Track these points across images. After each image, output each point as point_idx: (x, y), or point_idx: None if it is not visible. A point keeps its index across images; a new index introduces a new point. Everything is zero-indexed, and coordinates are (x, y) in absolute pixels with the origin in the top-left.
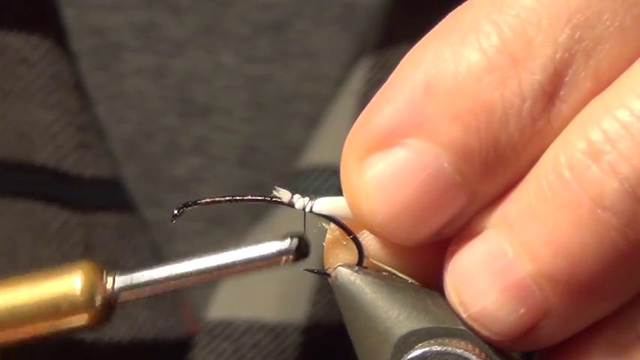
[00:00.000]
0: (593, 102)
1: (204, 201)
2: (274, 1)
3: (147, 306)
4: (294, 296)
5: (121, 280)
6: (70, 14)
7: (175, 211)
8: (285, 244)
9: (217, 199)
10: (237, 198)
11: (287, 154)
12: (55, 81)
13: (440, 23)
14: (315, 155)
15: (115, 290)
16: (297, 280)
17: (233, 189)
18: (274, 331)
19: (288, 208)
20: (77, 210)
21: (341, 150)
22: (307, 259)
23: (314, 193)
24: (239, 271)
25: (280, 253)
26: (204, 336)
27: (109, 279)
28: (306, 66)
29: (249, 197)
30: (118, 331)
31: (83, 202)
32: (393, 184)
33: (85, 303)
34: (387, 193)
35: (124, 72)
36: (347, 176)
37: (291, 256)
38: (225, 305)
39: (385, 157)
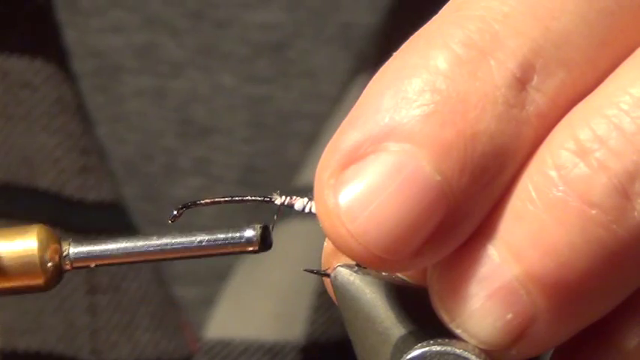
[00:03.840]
0: (580, 104)
1: (203, 202)
2: (273, 22)
3: (149, 328)
4: (291, 315)
5: (75, 248)
6: (71, 36)
7: (175, 212)
8: (249, 232)
9: (217, 199)
10: (237, 198)
11: (287, 174)
12: (58, 105)
13: (405, 42)
14: (312, 174)
15: (70, 255)
16: (295, 298)
17: (234, 209)
18: (272, 350)
19: (282, 220)
20: (80, 234)
21: None
22: (307, 262)
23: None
24: (199, 253)
25: (244, 240)
26: (203, 356)
27: (65, 246)
28: (306, 85)
29: (248, 198)
30: (120, 353)
31: (85, 226)
32: (371, 192)
33: (41, 266)
34: (365, 203)
35: (123, 93)
36: (321, 195)
37: (255, 246)
38: (223, 324)
39: (359, 167)
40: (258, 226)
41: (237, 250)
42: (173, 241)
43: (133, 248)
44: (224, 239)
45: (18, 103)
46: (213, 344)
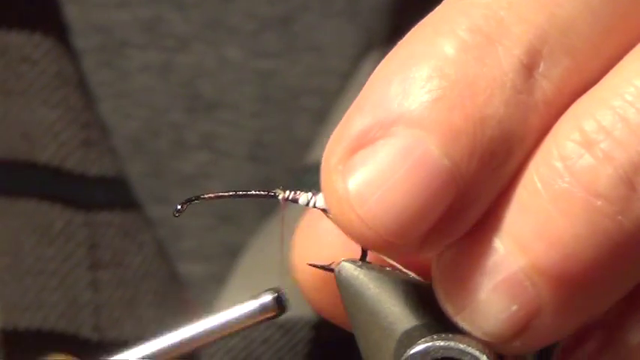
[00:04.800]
0: (585, 96)
1: (207, 196)
2: None
3: (153, 304)
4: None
5: None
6: (72, 12)
7: (179, 206)
8: (264, 301)
9: (221, 194)
10: (241, 193)
11: (296, 149)
12: (58, 79)
13: (411, 30)
14: (321, 152)
15: None
16: None
17: (241, 184)
18: (285, 326)
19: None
20: (81, 209)
21: None
22: None
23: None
24: (222, 334)
25: (263, 310)
26: None
27: None
28: (313, 60)
29: (252, 193)
30: (123, 330)
31: (87, 200)
32: (380, 176)
33: None
34: (374, 187)
35: (129, 69)
36: (329, 180)
37: (273, 312)
38: (235, 300)
39: (368, 152)
40: (269, 296)
41: (260, 320)
42: (191, 335)
43: (154, 353)
44: (244, 317)
45: (17, 78)
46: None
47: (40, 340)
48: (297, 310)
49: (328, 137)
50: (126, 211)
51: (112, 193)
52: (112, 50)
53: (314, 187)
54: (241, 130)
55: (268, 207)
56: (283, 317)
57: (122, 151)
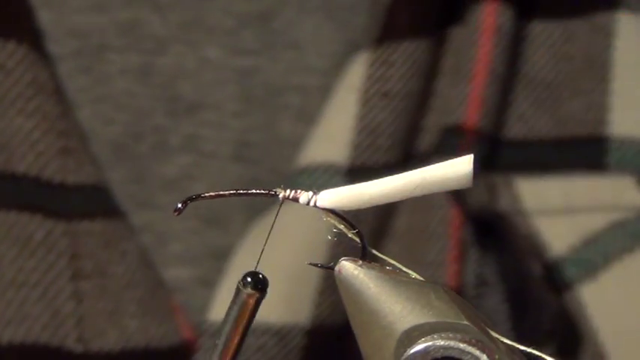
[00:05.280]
0: None
1: (207, 195)
2: None
3: (137, 314)
4: (297, 297)
5: None
6: (47, 17)
7: (179, 205)
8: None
9: (221, 192)
10: (241, 192)
11: (281, 149)
12: (33, 87)
13: None
14: (316, 152)
15: None
16: (301, 280)
17: (227, 185)
18: (279, 333)
19: (286, 205)
20: (62, 218)
21: (343, 148)
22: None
23: (317, 190)
24: None
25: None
26: (208, 339)
27: None
28: (293, 57)
29: (253, 191)
30: (107, 341)
31: (67, 210)
32: None
33: None
34: None
35: (108, 73)
36: None
37: (256, 295)
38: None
39: None
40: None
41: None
42: None
43: None
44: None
45: None
46: (218, 326)
47: (23, 353)
48: (291, 317)
49: (318, 138)
50: (107, 219)
51: (92, 202)
52: (89, 55)
53: (309, 188)
54: (225, 130)
55: (255, 209)
56: (277, 324)
57: (103, 157)
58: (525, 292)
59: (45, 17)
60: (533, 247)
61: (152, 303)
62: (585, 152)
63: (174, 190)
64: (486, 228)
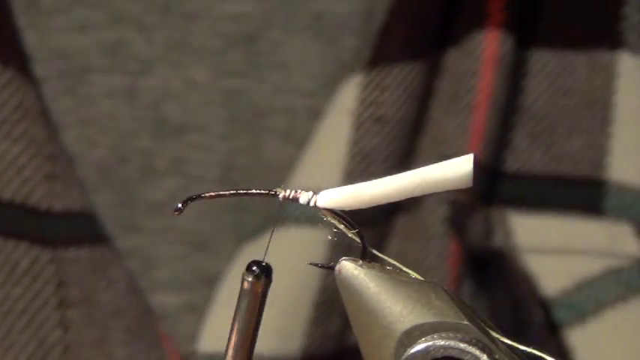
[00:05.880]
0: None
1: (208, 195)
2: (243, 12)
3: (124, 342)
4: (288, 328)
5: None
6: (31, 38)
7: (179, 205)
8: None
9: (221, 192)
10: (241, 192)
11: (267, 171)
12: (20, 111)
13: None
14: (308, 176)
15: None
16: (292, 311)
17: (214, 209)
18: None
19: (278, 229)
20: (48, 246)
21: (336, 172)
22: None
23: (309, 217)
24: None
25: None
26: None
27: None
28: (279, 78)
29: (253, 191)
30: None
31: (54, 237)
32: None
33: None
34: None
35: (93, 95)
36: None
37: (262, 281)
38: (217, 337)
39: None
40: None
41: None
42: None
43: None
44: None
45: None
46: (207, 358)
47: None
48: (283, 348)
49: (310, 162)
50: (94, 245)
51: (79, 228)
52: (73, 76)
53: (302, 214)
54: (211, 153)
55: (244, 233)
56: (268, 356)
57: (89, 181)
58: (516, 327)
59: (29, 38)
60: (526, 283)
61: (140, 331)
62: (582, 193)
63: (160, 214)
64: (480, 263)
